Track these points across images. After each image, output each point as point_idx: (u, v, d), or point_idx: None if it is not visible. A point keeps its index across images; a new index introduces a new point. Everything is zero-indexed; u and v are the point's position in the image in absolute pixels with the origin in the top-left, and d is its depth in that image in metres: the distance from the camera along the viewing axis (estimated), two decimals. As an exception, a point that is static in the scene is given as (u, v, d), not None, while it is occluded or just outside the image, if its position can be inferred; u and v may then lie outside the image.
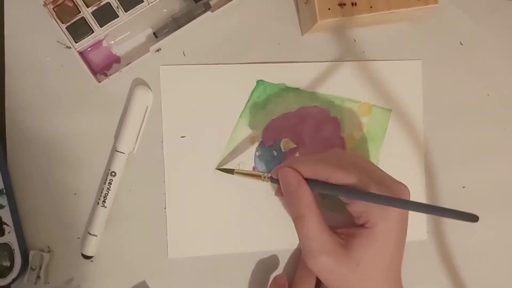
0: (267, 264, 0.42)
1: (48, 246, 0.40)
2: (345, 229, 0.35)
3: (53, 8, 0.37)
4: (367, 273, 0.33)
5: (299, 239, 0.34)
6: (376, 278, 0.34)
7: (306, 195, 0.34)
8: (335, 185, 0.34)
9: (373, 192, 0.32)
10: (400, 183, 0.34)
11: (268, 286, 0.41)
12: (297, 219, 0.34)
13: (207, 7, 0.39)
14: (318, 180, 0.34)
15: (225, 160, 0.41)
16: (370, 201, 0.32)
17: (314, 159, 0.36)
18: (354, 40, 0.43)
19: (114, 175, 0.39)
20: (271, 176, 0.37)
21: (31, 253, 0.39)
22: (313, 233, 0.33)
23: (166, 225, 0.40)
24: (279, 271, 0.42)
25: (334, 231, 0.35)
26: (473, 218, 0.27)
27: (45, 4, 0.37)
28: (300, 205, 0.34)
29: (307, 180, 0.34)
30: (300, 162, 0.35)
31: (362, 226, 0.34)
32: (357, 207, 0.34)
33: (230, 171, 0.40)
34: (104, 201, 0.39)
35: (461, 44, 0.44)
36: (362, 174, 0.33)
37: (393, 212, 0.33)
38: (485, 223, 0.44)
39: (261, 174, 0.38)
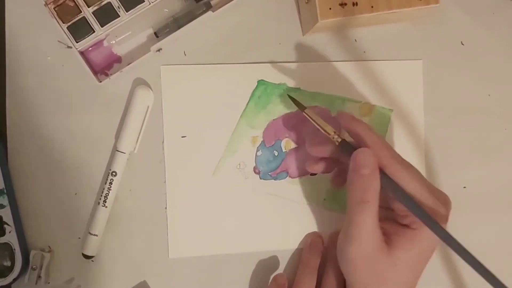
0: (267, 264, 0.42)
1: (49, 246, 0.40)
2: (387, 224, 0.35)
3: (54, 8, 0.37)
4: (402, 275, 0.33)
5: (349, 225, 0.33)
6: (406, 282, 0.34)
7: (377, 183, 0.32)
8: (399, 187, 0.33)
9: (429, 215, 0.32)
10: (444, 194, 0.35)
11: (268, 285, 0.41)
12: (360, 204, 0.32)
13: (208, 7, 0.39)
14: (386, 174, 0.33)
15: (226, 160, 0.41)
16: (421, 219, 0.32)
17: (392, 151, 0.34)
18: (355, 40, 0.42)
19: (115, 175, 0.39)
20: (342, 140, 0.35)
21: (32, 253, 0.39)
22: (370, 222, 0.32)
23: (167, 225, 0.40)
24: (279, 271, 0.42)
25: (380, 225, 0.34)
26: None
27: (46, 4, 0.37)
28: (369, 192, 0.32)
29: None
30: (380, 148, 0.33)
31: (406, 226, 0.33)
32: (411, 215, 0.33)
33: (302, 107, 0.37)
34: (104, 201, 0.39)
35: (462, 44, 0.44)
36: (423, 186, 0.33)
37: (443, 215, 0.33)
38: (486, 223, 0.44)
39: (331, 130, 0.35)
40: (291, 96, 0.38)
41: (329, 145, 0.36)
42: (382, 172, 0.33)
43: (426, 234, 0.32)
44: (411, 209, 0.32)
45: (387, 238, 0.33)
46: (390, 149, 0.34)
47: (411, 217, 0.33)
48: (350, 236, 0.33)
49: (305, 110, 0.37)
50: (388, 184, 0.33)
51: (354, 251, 0.33)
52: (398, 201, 0.34)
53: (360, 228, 0.32)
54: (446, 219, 0.34)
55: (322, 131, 0.35)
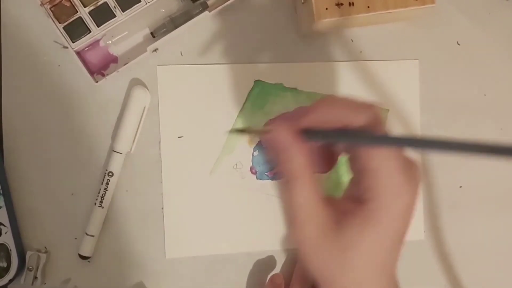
0: (264, 264, 0.42)
1: (45, 247, 0.40)
2: (346, 201, 0.30)
3: (50, 8, 0.37)
4: (356, 262, 0.28)
5: (287, 207, 0.29)
6: (365, 271, 0.28)
7: (299, 155, 0.28)
8: (339, 130, 0.27)
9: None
10: (415, 163, 0.28)
11: (265, 285, 0.41)
12: (285, 184, 0.28)
13: (205, 7, 0.39)
14: (316, 128, 0.28)
15: (222, 160, 0.41)
16: (384, 144, 0.26)
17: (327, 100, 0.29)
18: (352, 40, 0.43)
19: (111, 175, 0.39)
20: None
21: (28, 253, 0.39)
22: (303, 199, 0.28)
23: (164, 226, 0.40)
24: (276, 271, 0.42)
25: (329, 198, 0.29)
26: None
27: (42, 4, 0.37)
28: (291, 167, 0.28)
29: (308, 133, 0.28)
30: (293, 112, 0.29)
31: (364, 203, 0.28)
32: (370, 178, 0.27)
33: (243, 131, 0.39)
34: (101, 202, 0.39)
35: (458, 44, 0.44)
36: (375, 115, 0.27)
37: (404, 199, 0.27)
38: (482, 223, 0.44)
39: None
40: (235, 130, 0.40)
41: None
42: (311, 131, 0.28)
43: (386, 213, 0.27)
44: (365, 141, 0.27)
45: (342, 218, 0.28)
46: (305, 111, 0.29)
47: (370, 192, 0.27)
48: (287, 220, 0.29)
49: (247, 131, 0.37)
50: (323, 135, 0.28)
51: (296, 235, 0.28)
52: (349, 163, 0.29)
53: (293, 209, 0.28)
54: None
55: (262, 135, 0.33)
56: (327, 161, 0.31)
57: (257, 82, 0.41)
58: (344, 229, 0.28)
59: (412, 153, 0.28)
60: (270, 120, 0.37)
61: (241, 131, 0.40)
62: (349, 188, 0.31)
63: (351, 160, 0.29)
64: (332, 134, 0.28)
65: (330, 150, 0.31)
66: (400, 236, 0.28)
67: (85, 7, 0.37)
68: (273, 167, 0.42)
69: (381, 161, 0.27)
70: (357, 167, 0.28)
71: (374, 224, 0.27)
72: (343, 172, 0.42)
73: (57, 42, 0.39)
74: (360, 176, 0.28)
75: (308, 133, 0.28)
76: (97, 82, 0.39)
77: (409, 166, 0.28)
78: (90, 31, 0.38)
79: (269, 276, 0.41)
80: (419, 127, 0.43)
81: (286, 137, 0.28)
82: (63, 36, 0.38)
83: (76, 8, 0.37)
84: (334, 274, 0.28)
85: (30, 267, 0.38)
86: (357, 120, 0.27)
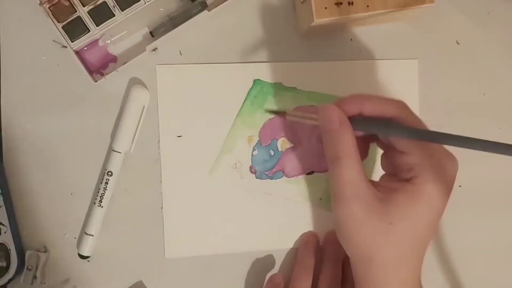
0: (264, 263, 0.42)
1: (45, 246, 0.40)
2: (387, 182, 0.32)
3: (49, 7, 0.37)
4: (399, 236, 0.29)
5: (332, 185, 0.31)
6: (406, 247, 0.30)
7: (348, 137, 0.30)
8: (389, 122, 0.30)
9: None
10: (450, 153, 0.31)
11: (264, 285, 0.41)
12: (334, 161, 0.30)
13: (204, 6, 0.39)
14: (364, 116, 0.31)
15: (222, 159, 0.41)
16: (424, 139, 0.28)
17: (366, 95, 0.32)
18: (351, 39, 0.43)
19: (111, 175, 0.39)
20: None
21: (27, 253, 0.39)
22: (349, 177, 0.30)
23: (163, 225, 0.40)
24: (275, 270, 0.42)
25: (373, 182, 0.31)
26: None
27: (41, 3, 0.37)
28: (340, 147, 0.30)
29: (355, 119, 0.31)
30: (348, 98, 0.31)
31: (408, 181, 0.30)
32: (412, 157, 0.30)
33: (282, 113, 0.38)
34: (100, 201, 0.39)
35: (458, 43, 0.44)
36: (409, 111, 0.30)
37: (448, 175, 0.29)
38: (482, 222, 0.44)
39: (314, 116, 0.34)
40: (269, 110, 0.40)
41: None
42: (358, 119, 0.31)
43: (429, 190, 0.29)
44: (405, 135, 0.29)
45: (385, 196, 0.30)
46: (361, 97, 0.32)
47: (416, 169, 0.30)
48: (333, 197, 0.31)
49: (286, 116, 0.36)
50: (368, 125, 0.31)
51: (341, 212, 0.30)
52: (392, 145, 0.31)
53: (340, 186, 0.30)
54: None
55: (313, 121, 0.34)
56: (362, 150, 0.32)
57: (256, 81, 0.41)
58: (389, 205, 0.29)
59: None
60: (298, 107, 0.37)
61: (278, 112, 0.39)
62: (386, 174, 0.33)
63: (388, 147, 0.32)
64: (373, 123, 0.30)
65: (365, 140, 0.34)
66: (440, 214, 0.30)
67: (84, 6, 0.37)
68: (274, 164, 0.42)
69: (422, 142, 0.29)
70: (397, 152, 0.30)
71: (420, 198, 0.29)
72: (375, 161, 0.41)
73: (56, 42, 0.39)
74: (401, 159, 0.30)
75: (352, 121, 0.31)
76: (96, 81, 0.39)
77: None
78: (89, 31, 0.38)
79: (268, 276, 0.41)
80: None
81: (341, 116, 0.30)
82: (62, 35, 0.38)
83: (75, 7, 0.37)
84: (377, 248, 0.30)
85: (29, 267, 0.38)
86: (389, 111, 0.30)
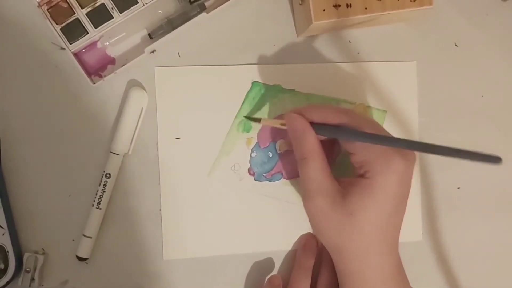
0: (262, 265, 0.42)
1: (43, 248, 0.40)
2: (348, 178, 0.35)
3: (47, 9, 0.37)
4: (360, 225, 0.33)
5: (301, 182, 0.35)
6: (369, 234, 0.33)
7: (311, 139, 0.34)
8: (338, 127, 0.34)
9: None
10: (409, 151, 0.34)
11: (263, 287, 0.41)
12: (301, 161, 0.35)
13: (202, 8, 0.39)
14: (324, 123, 0.35)
15: (220, 161, 0.41)
16: (370, 142, 0.32)
17: (321, 105, 0.37)
18: (349, 41, 0.43)
19: (109, 177, 0.39)
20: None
21: (26, 255, 0.38)
22: (314, 174, 0.34)
23: (161, 227, 0.40)
24: (274, 272, 0.42)
25: (337, 179, 0.35)
26: (495, 159, 0.26)
27: (39, 5, 0.37)
28: (305, 148, 0.35)
29: (314, 125, 0.35)
30: (306, 107, 0.36)
31: (362, 176, 0.34)
32: (359, 156, 0.34)
33: (257, 120, 0.40)
34: (99, 203, 0.39)
35: (456, 45, 0.44)
36: (371, 123, 0.34)
37: (395, 166, 0.32)
38: (480, 224, 0.44)
39: (283, 122, 0.38)
40: (247, 117, 0.41)
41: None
42: (319, 125, 0.35)
43: (378, 182, 0.32)
44: (355, 138, 0.33)
45: (346, 190, 0.34)
46: (320, 106, 0.37)
47: (365, 165, 0.33)
48: (302, 193, 0.35)
49: (261, 121, 0.39)
50: (328, 131, 0.35)
51: (309, 206, 0.34)
52: (346, 147, 0.35)
53: (306, 182, 0.34)
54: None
55: (280, 126, 0.38)
56: (332, 151, 0.38)
57: (254, 83, 0.41)
58: (349, 198, 0.33)
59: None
60: (280, 114, 0.40)
61: (255, 119, 0.41)
62: (350, 171, 0.36)
63: (349, 149, 0.35)
64: (326, 129, 0.35)
65: (333, 143, 0.39)
66: (399, 201, 0.33)
67: (82, 8, 0.37)
68: (272, 166, 0.42)
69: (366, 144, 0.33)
70: (354, 153, 0.34)
71: (373, 189, 0.32)
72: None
73: (54, 44, 0.39)
74: (353, 158, 0.34)
75: (315, 127, 0.35)
76: (94, 83, 0.39)
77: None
78: (88, 33, 0.38)
79: (267, 278, 0.41)
80: (417, 128, 0.43)
81: (304, 123, 0.35)
82: (60, 37, 0.38)
83: (73, 9, 0.37)
84: (343, 238, 0.33)
85: (27, 269, 0.38)
86: (337, 119, 0.34)
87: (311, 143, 0.34)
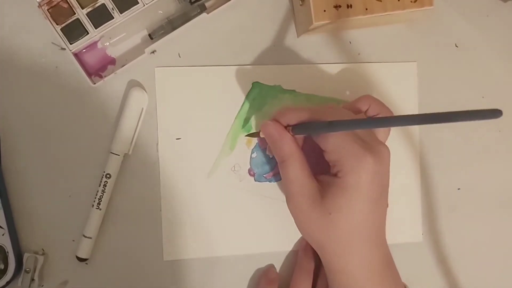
0: (263, 266, 0.42)
1: (43, 249, 0.40)
2: (328, 176, 0.35)
3: (47, 9, 0.37)
4: (338, 224, 0.33)
5: (282, 184, 0.36)
6: (347, 232, 0.33)
7: (287, 141, 0.35)
8: (315, 124, 0.34)
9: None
10: (382, 143, 0.35)
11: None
12: (281, 164, 0.36)
13: (203, 9, 0.39)
14: (299, 123, 0.35)
15: (220, 162, 0.41)
16: (337, 130, 0.32)
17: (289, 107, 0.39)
18: (350, 42, 0.43)
19: (109, 177, 0.39)
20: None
21: (25, 255, 0.38)
22: (294, 175, 0.35)
23: (161, 227, 0.40)
24: (274, 273, 0.42)
25: (318, 178, 0.36)
26: (495, 113, 0.25)
27: (39, 5, 0.37)
28: (282, 152, 0.35)
29: (292, 127, 0.35)
30: (278, 112, 0.37)
31: (335, 175, 0.34)
32: (332, 155, 0.34)
33: (257, 134, 0.40)
34: (99, 203, 0.39)
35: (456, 46, 0.44)
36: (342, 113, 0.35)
37: (366, 165, 0.32)
38: (481, 225, 0.44)
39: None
40: (248, 135, 0.41)
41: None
42: (295, 126, 0.35)
43: (349, 180, 0.33)
44: (331, 129, 0.33)
45: (325, 190, 0.34)
46: (291, 109, 0.37)
47: (337, 165, 0.34)
48: (285, 194, 0.36)
49: (260, 134, 0.38)
50: (304, 129, 0.35)
51: (291, 206, 0.35)
52: (320, 145, 0.35)
53: (287, 184, 0.35)
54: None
55: (260, 136, 0.38)
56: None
57: (255, 84, 0.41)
58: (327, 198, 0.34)
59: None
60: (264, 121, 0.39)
61: (253, 134, 0.41)
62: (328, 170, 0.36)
63: (323, 147, 0.35)
64: (301, 126, 0.35)
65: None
66: (375, 198, 0.33)
67: (82, 8, 0.37)
68: (273, 167, 0.42)
69: (337, 140, 0.33)
70: (326, 151, 0.34)
71: (345, 189, 0.33)
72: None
73: (54, 44, 0.39)
74: (326, 157, 0.35)
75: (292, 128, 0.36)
76: (94, 83, 0.38)
77: (368, 134, 0.35)
78: (88, 33, 0.38)
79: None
80: (417, 129, 0.43)
81: (277, 129, 0.36)
82: (61, 37, 0.37)
83: (73, 9, 0.37)
84: (324, 238, 0.34)
85: (27, 269, 0.38)
86: (303, 117, 0.35)
87: (288, 145, 0.35)
